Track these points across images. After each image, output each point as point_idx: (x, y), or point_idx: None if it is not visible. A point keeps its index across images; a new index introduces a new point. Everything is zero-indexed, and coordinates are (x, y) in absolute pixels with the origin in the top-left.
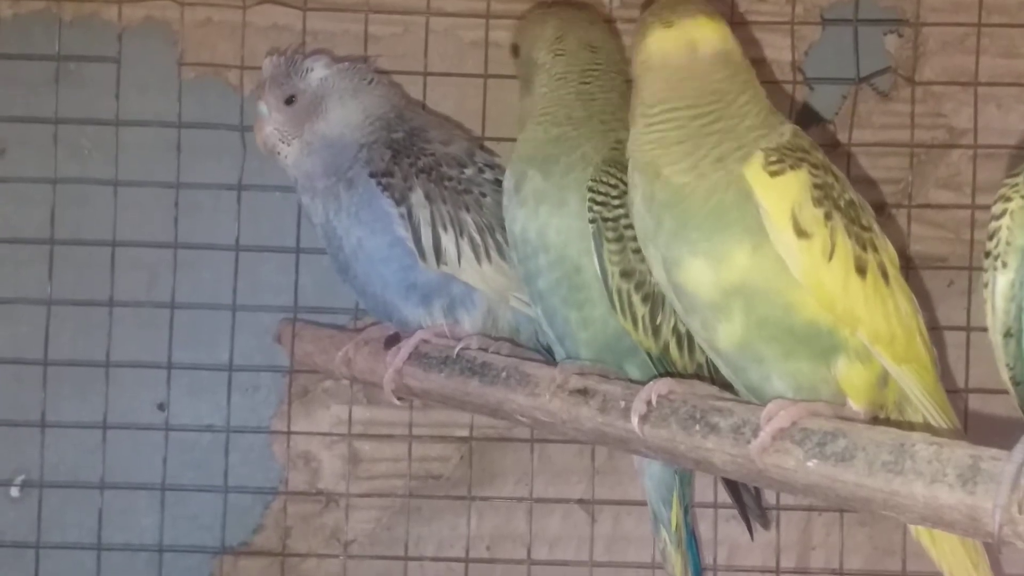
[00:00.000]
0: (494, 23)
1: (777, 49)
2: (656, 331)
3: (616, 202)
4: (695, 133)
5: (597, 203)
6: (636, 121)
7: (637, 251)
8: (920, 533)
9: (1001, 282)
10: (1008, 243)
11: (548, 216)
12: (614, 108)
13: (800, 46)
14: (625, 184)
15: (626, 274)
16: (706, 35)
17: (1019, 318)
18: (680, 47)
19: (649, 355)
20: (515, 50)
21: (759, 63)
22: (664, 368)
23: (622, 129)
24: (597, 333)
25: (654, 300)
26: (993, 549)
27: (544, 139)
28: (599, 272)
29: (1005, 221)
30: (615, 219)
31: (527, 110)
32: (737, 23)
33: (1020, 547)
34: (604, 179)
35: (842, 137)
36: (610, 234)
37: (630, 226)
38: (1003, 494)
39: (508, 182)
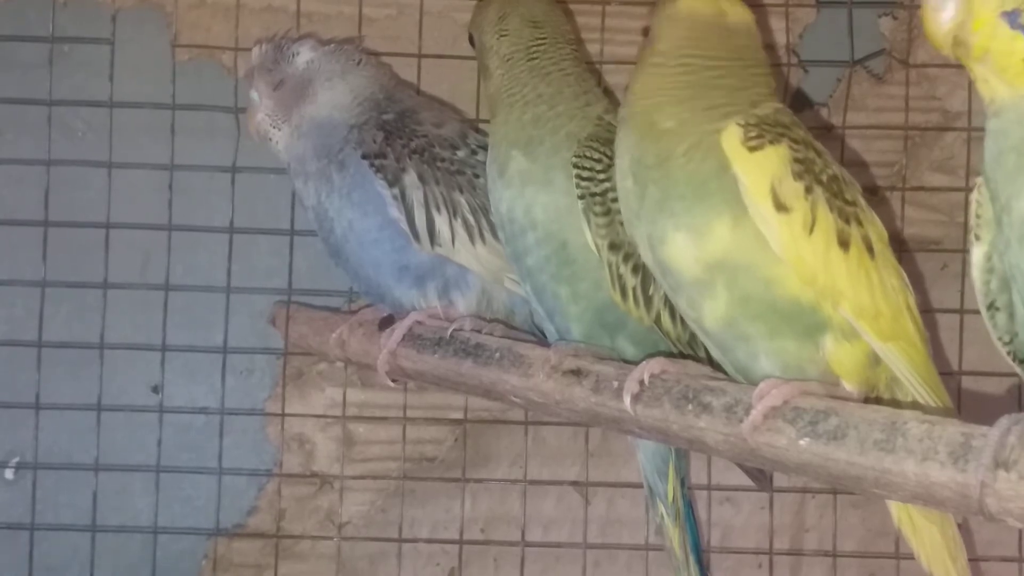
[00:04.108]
0: None
1: (772, 31)
2: (648, 302)
3: (601, 176)
4: (704, 83)
5: (584, 179)
6: (642, 74)
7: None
8: (902, 522)
9: (976, 255)
10: (979, 216)
11: (534, 195)
12: (576, 79)
13: (795, 28)
14: (609, 158)
15: (614, 247)
16: (734, 6)
17: (1001, 290)
18: (710, 8)
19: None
20: (471, 39)
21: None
22: (656, 340)
23: (597, 102)
24: (587, 306)
25: (644, 271)
26: (980, 536)
27: (522, 121)
28: (593, 246)
29: (975, 195)
30: (602, 193)
31: (491, 95)
32: None
33: (1010, 523)
34: (588, 154)
35: (836, 120)
36: (598, 208)
37: (617, 199)
38: (987, 456)
39: (492, 165)
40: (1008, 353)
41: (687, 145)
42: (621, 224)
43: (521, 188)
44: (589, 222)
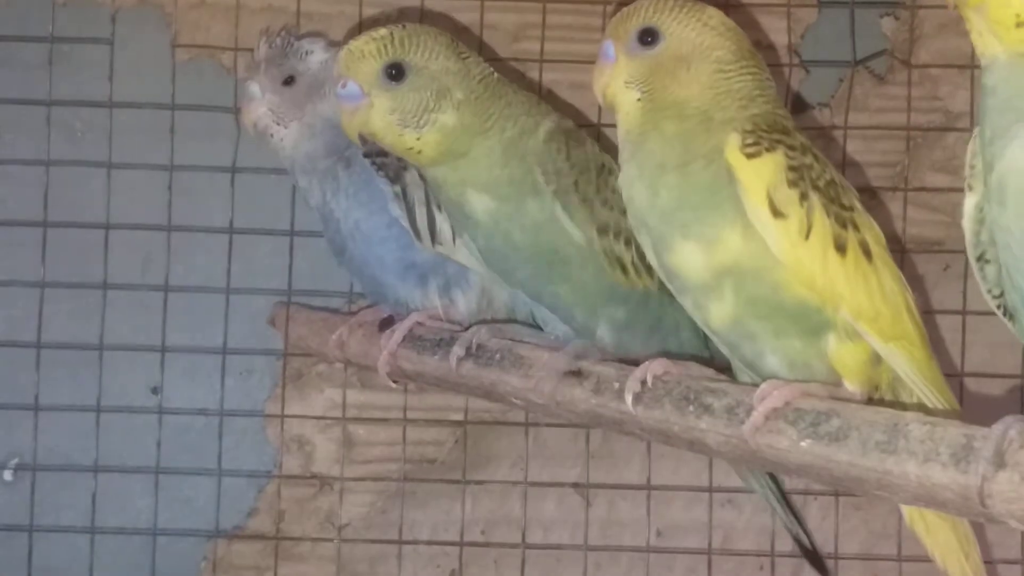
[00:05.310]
0: (488, 5)
1: (773, 32)
2: (648, 269)
3: (567, 166)
4: (759, 86)
5: (551, 174)
6: (700, 80)
7: (603, 204)
8: (914, 521)
9: (968, 205)
10: (972, 166)
11: (510, 225)
12: (525, 95)
13: (796, 29)
14: (569, 147)
15: (602, 230)
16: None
17: (992, 242)
18: (720, 17)
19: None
20: (398, 70)
21: (755, 46)
22: (664, 303)
23: (553, 112)
24: (592, 290)
25: (636, 241)
26: (983, 538)
27: (491, 156)
28: (580, 238)
29: (970, 145)
30: (574, 183)
31: (451, 129)
32: (734, 5)
33: (1012, 525)
34: (550, 149)
35: (838, 120)
36: (574, 198)
37: (589, 183)
38: (987, 450)
39: (453, 207)
40: (998, 307)
41: (705, 151)
42: (602, 205)
43: (494, 226)
44: (571, 216)
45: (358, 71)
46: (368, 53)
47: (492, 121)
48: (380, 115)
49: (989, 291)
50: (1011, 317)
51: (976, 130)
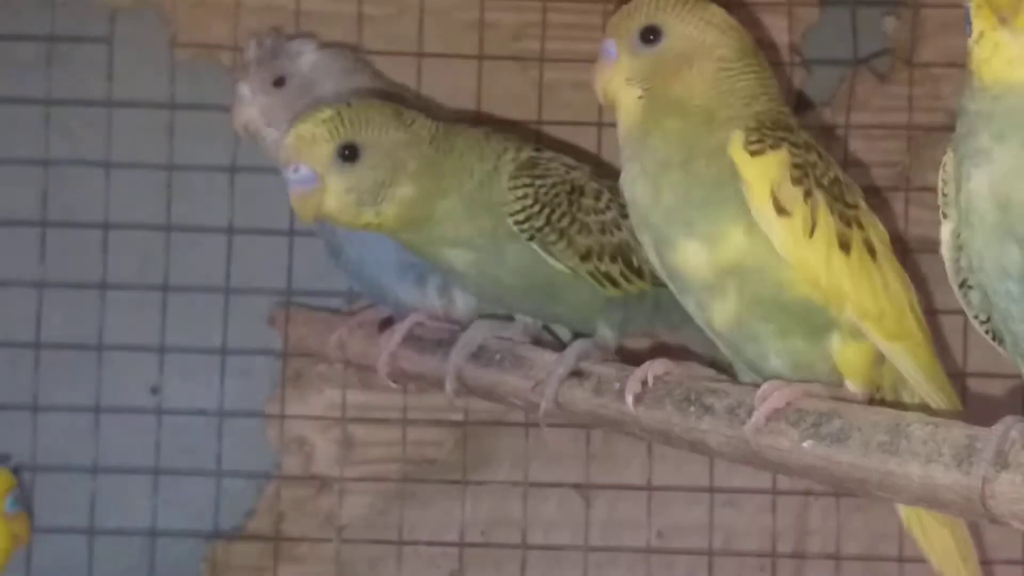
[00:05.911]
0: (489, 4)
1: (775, 30)
2: (639, 274)
3: (536, 208)
4: (762, 84)
5: (522, 221)
6: (703, 77)
7: (580, 231)
8: (911, 524)
9: (944, 233)
10: (945, 195)
11: (496, 270)
12: (475, 137)
13: (798, 27)
14: (530, 184)
15: (585, 257)
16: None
17: (971, 268)
18: (724, 17)
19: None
20: (351, 150)
21: (757, 44)
22: (659, 295)
23: (508, 146)
24: (588, 303)
25: (622, 251)
26: (982, 539)
27: (455, 217)
28: (566, 269)
29: (941, 174)
30: (546, 221)
31: (408, 204)
32: (735, 4)
33: (1015, 526)
34: (516, 196)
35: (839, 119)
36: (552, 236)
37: (563, 216)
38: (988, 451)
39: (441, 261)
40: (987, 332)
41: (708, 149)
42: (578, 232)
43: (479, 273)
44: (551, 254)
45: (310, 155)
46: (319, 136)
47: (449, 179)
48: (335, 197)
49: (976, 317)
50: (1000, 340)
51: (945, 157)
